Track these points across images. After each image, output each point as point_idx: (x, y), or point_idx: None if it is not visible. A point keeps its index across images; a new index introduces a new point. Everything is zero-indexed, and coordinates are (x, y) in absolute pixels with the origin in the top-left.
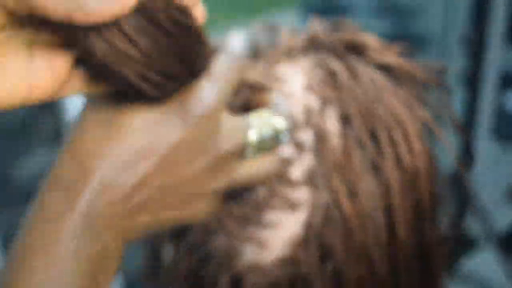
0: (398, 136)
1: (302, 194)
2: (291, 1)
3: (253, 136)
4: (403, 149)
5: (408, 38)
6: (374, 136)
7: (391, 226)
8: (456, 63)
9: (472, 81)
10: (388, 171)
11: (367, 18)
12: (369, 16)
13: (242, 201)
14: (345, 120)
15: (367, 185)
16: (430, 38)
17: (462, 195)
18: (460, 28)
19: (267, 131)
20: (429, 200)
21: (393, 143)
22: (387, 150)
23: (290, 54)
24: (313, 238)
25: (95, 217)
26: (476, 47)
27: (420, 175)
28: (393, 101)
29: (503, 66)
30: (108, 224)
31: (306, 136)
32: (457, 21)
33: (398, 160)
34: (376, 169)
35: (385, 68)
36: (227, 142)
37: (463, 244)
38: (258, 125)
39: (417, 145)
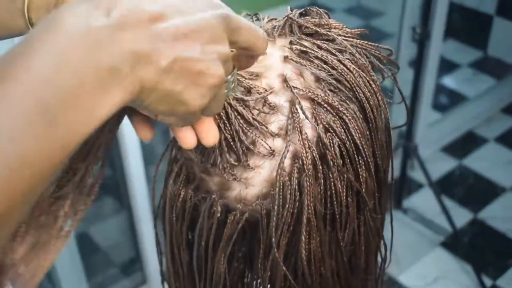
0: (362, 90)
1: (277, 144)
2: (283, 2)
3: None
4: (366, 97)
5: (371, 32)
6: (339, 90)
7: (354, 167)
8: (407, 52)
9: (418, 65)
10: (351, 121)
11: (339, 16)
12: (341, 14)
13: (233, 149)
14: (317, 80)
15: (331, 135)
16: (388, 32)
17: (407, 149)
18: (411, 26)
19: (235, 85)
20: (386, 145)
21: (356, 97)
22: (350, 105)
23: (270, 35)
24: (285, 179)
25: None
26: (422, 40)
27: (379, 121)
28: (354, 66)
29: (441, 54)
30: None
31: (282, 100)
32: (409, 20)
33: (361, 108)
34: (341, 119)
35: (344, 45)
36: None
37: (407, 185)
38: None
39: (377, 97)
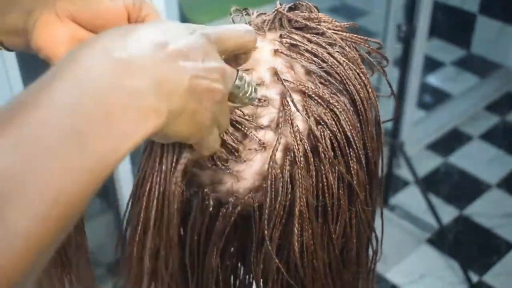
0: (352, 83)
1: (269, 137)
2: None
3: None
4: (356, 90)
5: (356, 31)
6: (329, 83)
7: (345, 160)
8: (392, 51)
9: (403, 63)
10: (342, 114)
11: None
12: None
13: (224, 143)
14: (308, 73)
15: (322, 128)
16: (373, 31)
17: (392, 147)
18: (397, 24)
19: (250, 86)
20: (377, 137)
21: (346, 89)
22: (340, 98)
23: (260, 29)
24: (277, 172)
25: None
26: (407, 38)
27: (368, 114)
28: (344, 59)
29: (426, 53)
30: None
31: (273, 93)
32: (394, 19)
33: (351, 100)
34: (332, 112)
35: (334, 39)
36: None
37: (393, 182)
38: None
39: (367, 89)
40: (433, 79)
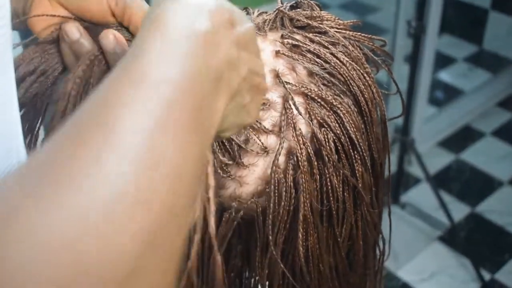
0: (356, 83)
1: (271, 141)
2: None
3: None
4: (360, 91)
5: (366, 27)
6: (332, 84)
7: (350, 162)
8: (402, 47)
9: (414, 60)
10: (345, 116)
11: (334, 12)
12: (336, 10)
13: (226, 148)
14: (310, 74)
15: (325, 130)
16: (384, 28)
17: (403, 144)
18: (406, 20)
19: None
20: (383, 138)
21: (350, 90)
22: (344, 99)
23: (261, 29)
24: (280, 176)
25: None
26: (417, 34)
27: (373, 113)
28: (347, 58)
29: (437, 49)
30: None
31: (275, 95)
32: (404, 15)
33: (355, 101)
34: (335, 114)
35: (337, 38)
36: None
37: (404, 180)
38: None
39: (371, 90)
40: (445, 75)
